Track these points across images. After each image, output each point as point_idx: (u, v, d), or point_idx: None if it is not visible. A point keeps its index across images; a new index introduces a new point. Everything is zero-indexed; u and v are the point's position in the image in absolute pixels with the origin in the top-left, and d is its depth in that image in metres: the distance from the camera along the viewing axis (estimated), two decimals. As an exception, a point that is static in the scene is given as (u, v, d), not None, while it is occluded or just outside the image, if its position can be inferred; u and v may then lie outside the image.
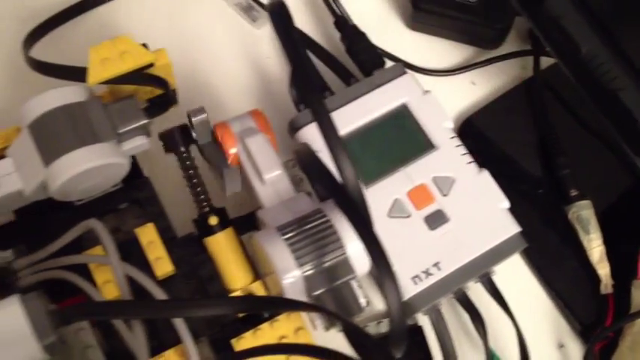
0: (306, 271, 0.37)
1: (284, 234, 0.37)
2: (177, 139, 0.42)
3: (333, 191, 0.35)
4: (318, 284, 0.37)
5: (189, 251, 0.42)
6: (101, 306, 0.33)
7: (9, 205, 0.41)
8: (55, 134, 0.38)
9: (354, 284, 0.38)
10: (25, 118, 0.39)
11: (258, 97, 0.51)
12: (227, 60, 0.52)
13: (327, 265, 0.37)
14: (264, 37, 0.53)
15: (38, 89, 0.44)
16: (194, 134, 0.42)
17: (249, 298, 0.36)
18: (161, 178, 0.45)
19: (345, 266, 0.37)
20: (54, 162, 0.38)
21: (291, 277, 0.36)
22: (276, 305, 0.35)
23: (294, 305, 0.35)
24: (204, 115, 0.41)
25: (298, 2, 0.54)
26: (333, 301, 0.38)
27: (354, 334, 0.38)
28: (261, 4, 0.53)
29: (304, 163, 0.38)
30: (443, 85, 0.53)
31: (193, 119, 0.41)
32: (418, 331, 0.46)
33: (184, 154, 0.42)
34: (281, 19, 0.38)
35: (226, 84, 0.51)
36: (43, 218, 0.42)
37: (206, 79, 0.51)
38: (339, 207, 0.36)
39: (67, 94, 0.39)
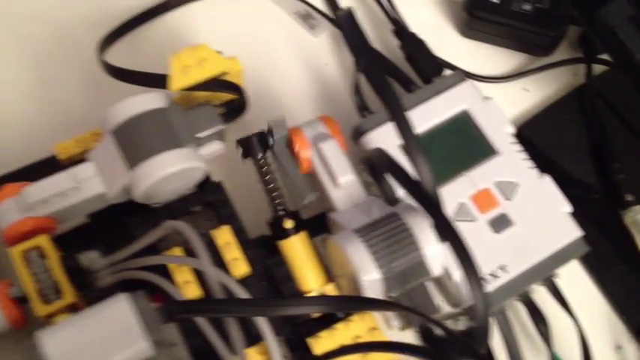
0: (384, 273, 0.38)
1: (362, 236, 0.39)
2: (254, 145, 0.43)
3: (414, 190, 0.37)
4: (395, 285, 0.38)
5: (261, 253, 0.44)
6: (206, 303, 0.34)
7: (88, 208, 0.42)
8: (139, 139, 0.40)
9: (429, 285, 0.39)
10: (109, 123, 0.41)
11: (317, 103, 0.52)
12: (286, 67, 0.53)
13: (403, 266, 0.38)
14: (321, 44, 0.54)
15: (111, 95, 0.46)
16: (271, 141, 0.43)
17: (343, 298, 0.37)
18: (229, 181, 0.46)
19: (420, 268, 0.39)
20: (139, 166, 0.40)
21: (371, 277, 0.38)
22: (369, 305, 0.36)
23: (384, 305, 0.36)
24: (284, 125, 0.43)
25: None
26: (408, 302, 0.39)
27: (428, 335, 0.39)
28: (320, 12, 0.54)
29: (382, 166, 0.39)
30: (496, 91, 0.54)
31: (274, 128, 0.43)
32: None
33: (261, 160, 0.44)
34: (352, 25, 0.40)
35: (286, 90, 0.52)
36: (118, 221, 0.44)
37: (266, 86, 0.52)
38: (421, 206, 0.37)
39: (149, 100, 0.41)
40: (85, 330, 0.30)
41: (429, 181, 0.37)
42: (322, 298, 0.37)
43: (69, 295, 0.37)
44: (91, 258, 0.40)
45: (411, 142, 0.37)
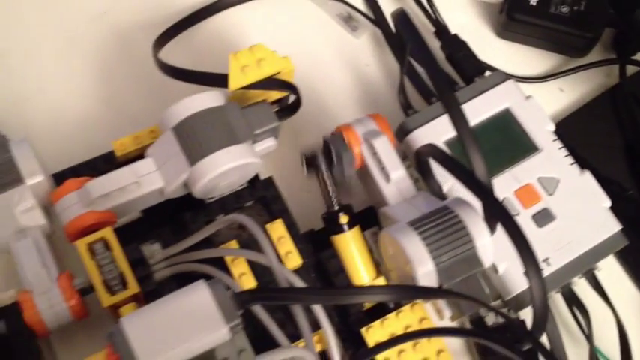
0: (438, 264, 0.39)
1: (416, 228, 0.40)
2: (321, 164, 0.45)
3: (469, 180, 0.38)
4: (449, 276, 0.40)
5: (311, 246, 0.45)
6: (278, 291, 0.36)
7: (146, 202, 0.44)
8: (200, 136, 0.41)
9: (480, 276, 0.41)
10: (170, 120, 0.42)
11: (360, 103, 0.54)
12: (329, 68, 0.55)
13: (456, 258, 0.40)
14: (363, 45, 0.56)
15: (167, 93, 0.47)
16: (335, 161, 0.45)
17: (409, 287, 0.38)
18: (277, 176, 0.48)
19: (473, 259, 0.40)
20: (200, 162, 0.41)
21: (426, 269, 0.39)
22: (431, 293, 0.38)
23: (445, 293, 0.37)
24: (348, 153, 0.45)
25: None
26: (460, 291, 0.40)
27: (480, 324, 0.40)
28: (361, 13, 0.56)
29: (437, 159, 0.40)
30: (532, 91, 0.55)
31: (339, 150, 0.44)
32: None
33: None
34: (406, 22, 0.41)
35: (330, 90, 0.54)
36: (171, 216, 0.45)
37: (311, 86, 0.54)
38: (476, 195, 0.38)
39: (209, 98, 0.42)
40: (166, 315, 0.32)
41: (483, 170, 0.39)
42: (389, 287, 0.39)
43: (133, 286, 0.39)
44: (152, 249, 0.41)
45: (465, 132, 0.38)
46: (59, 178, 0.45)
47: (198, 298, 0.32)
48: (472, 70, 0.51)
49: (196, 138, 0.41)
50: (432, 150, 0.41)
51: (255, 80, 0.42)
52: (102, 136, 0.48)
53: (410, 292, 0.37)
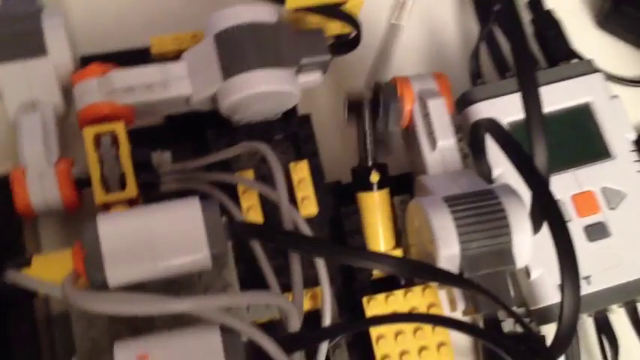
0: (465, 250, 0.35)
1: (450, 205, 0.35)
2: (364, 115, 0.40)
3: (525, 165, 0.33)
4: (473, 266, 0.35)
5: (332, 199, 0.41)
6: (276, 232, 0.32)
7: (169, 108, 0.40)
8: (240, 49, 0.37)
9: (508, 276, 0.36)
10: (213, 26, 0.38)
11: (428, 60, 0.49)
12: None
13: (487, 248, 0.35)
14: (442, 2, 0.51)
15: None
16: (381, 113, 0.40)
17: (421, 264, 0.34)
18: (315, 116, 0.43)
19: (506, 255, 0.35)
20: (233, 77, 0.37)
21: (449, 251, 0.34)
22: (446, 278, 0.33)
23: (462, 282, 0.33)
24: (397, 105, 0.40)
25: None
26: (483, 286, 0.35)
27: (494, 327, 0.36)
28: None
29: (494, 135, 0.35)
30: (620, 93, 0.49)
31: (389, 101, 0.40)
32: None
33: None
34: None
35: (400, 46, 0.49)
36: (195, 130, 0.41)
37: (375, 29, 0.49)
38: (528, 183, 0.33)
39: (259, 12, 0.38)
40: (147, 223, 0.28)
41: (544, 161, 0.34)
42: (400, 259, 0.34)
43: (131, 189, 0.35)
44: (162, 158, 0.37)
45: (535, 115, 0.34)
46: (87, 62, 0.41)
47: (187, 214, 0.28)
48: (559, 53, 0.46)
49: (236, 51, 0.37)
50: (491, 124, 0.36)
51: (315, 3, 0.38)
52: (141, 30, 0.44)
53: (422, 270, 0.33)
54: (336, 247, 0.32)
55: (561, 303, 0.32)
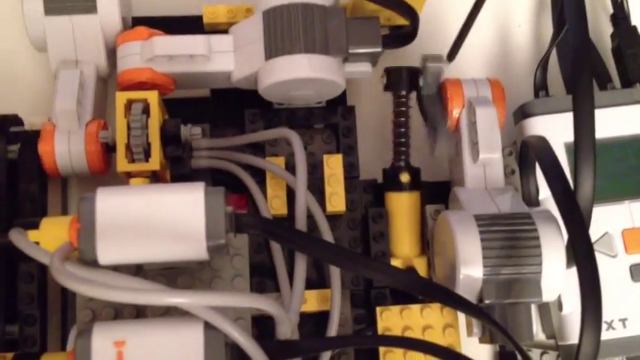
0: (488, 275, 0.32)
1: (481, 225, 0.33)
2: (403, 79, 0.38)
3: (564, 198, 0.31)
4: (495, 294, 0.33)
5: (366, 199, 0.39)
6: (284, 230, 0.30)
7: (211, 82, 0.39)
8: (287, 30, 0.36)
9: (534, 308, 0.34)
10: (264, 2, 0.37)
11: (492, 64, 0.46)
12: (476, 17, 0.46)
13: (513, 277, 0.33)
14: (522, 2, 0.47)
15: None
16: (421, 81, 0.38)
17: (429, 283, 0.32)
18: (362, 111, 0.42)
19: (533, 286, 0.33)
20: (274, 58, 0.36)
21: (471, 273, 0.32)
22: (454, 302, 0.31)
23: (471, 309, 0.31)
24: (440, 65, 0.37)
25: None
26: (502, 317, 0.33)
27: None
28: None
29: (540, 158, 0.33)
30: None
31: (428, 64, 0.37)
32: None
33: (403, 98, 0.38)
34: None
35: (466, 44, 0.46)
36: (234, 106, 0.40)
37: (442, 25, 0.46)
38: (562, 217, 0.31)
39: (313, -8, 0.36)
40: (148, 204, 0.27)
41: (587, 196, 0.31)
42: (408, 274, 0.33)
43: (154, 162, 0.34)
44: (194, 133, 0.36)
45: (585, 143, 0.31)
46: (138, 24, 0.41)
47: (189, 201, 0.27)
48: (636, 74, 0.42)
49: (283, 31, 0.36)
50: (539, 144, 0.34)
51: (376, -10, 0.36)
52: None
53: (433, 291, 0.31)
54: (341, 252, 0.30)
55: (578, 346, 0.29)
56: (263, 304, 0.27)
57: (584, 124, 0.31)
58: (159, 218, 0.27)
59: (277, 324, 0.29)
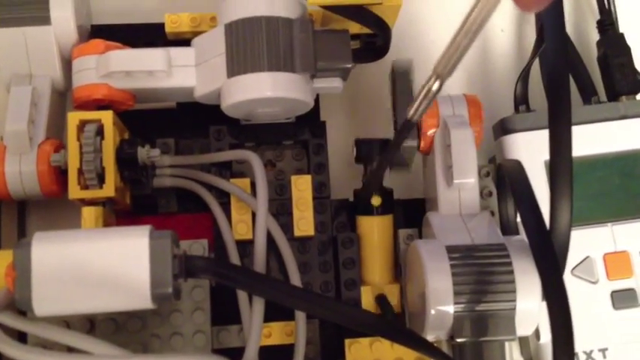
0: (459, 311, 0.31)
1: (452, 258, 0.31)
2: (374, 152, 0.36)
3: (536, 236, 0.29)
4: (467, 331, 0.31)
5: (338, 220, 0.37)
6: (241, 274, 0.28)
7: (172, 97, 0.37)
8: (250, 45, 0.34)
9: (507, 346, 0.32)
10: (225, 13, 0.35)
11: (471, 73, 0.44)
12: (451, 19, 0.44)
13: (486, 312, 0.31)
14: (505, 6, 0.45)
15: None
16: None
17: (391, 327, 0.30)
18: (334, 126, 0.40)
19: (506, 322, 0.31)
20: (237, 77, 0.33)
21: (442, 308, 0.31)
22: (417, 345, 0.29)
23: (435, 353, 0.29)
24: (415, 143, 0.36)
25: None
26: (474, 355, 0.31)
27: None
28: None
29: (513, 186, 0.31)
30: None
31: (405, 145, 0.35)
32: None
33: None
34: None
35: (440, 46, 0.43)
36: (201, 119, 0.38)
37: (419, 35, 0.44)
38: (534, 256, 0.29)
39: (280, 4, 0.34)
40: (89, 251, 0.25)
41: (564, 230, 0.29)
42: (376, 319, 0.31)
43: (109, 188, 0.32)
44: (150, 155, 0.34)
45: (561, 169, 0.29)
46: (97, 33, 0.39)
47: (132, 247, 0.25)
48: (623, 86, 0.40)
49: (245, 46, 0.34)
50: (512, 169, 0.32)
51: (342, 2, 0.34)
52: (162, 4, 0.41)
53: (399, 335, 0.29)
54: (302, 296, 0.28)
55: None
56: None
57: (559, 146, 0.30)
58: (100, 266, 0.25)
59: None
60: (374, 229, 0.36)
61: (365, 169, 0.36)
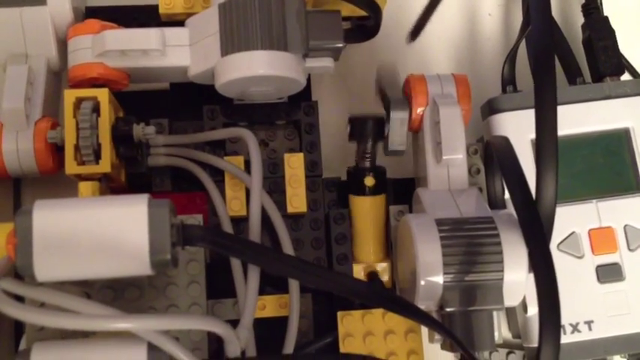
0: (449, 281, 0.32)
1: (442, 230, 0.32)
2: (368, 130, 0.36)
3: (523, 207, 0.30)
4: (456, 301, 0.32)
5: (329, 197, 0.38)
6: (237, 242, 0.29)
7: (166, 76, 0.38)
8: (242, 24, 0.34)
9: (495, 316, 0.33)
10: (219, -7, 0.35)
11: (460, 55, 0.45)
12: (442, 5, 0.45)
13: (475, 283, 0.32)
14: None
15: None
16: (387, 130, 0.36)
17: (384, 295, 0.31)
18: (325, 106, 0.40)
19: (494, 292, 0.32)
20: (230, 55, 0.34)
21: (431, 279, 0.31)
22: (409, 313, 0.30)
23: (426, 320, 0.30)
24: (406, 112, 0.36)
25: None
26: (463, 324, 0.32)
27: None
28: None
29: (501, 161, 0.32)
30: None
31: (394, 114, 0.36)
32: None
33: (367, 153, 0.37)
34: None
35: (429, 29, 0.44)
36: (194, 100, 0.39)
37: (408, 17, 0.45)
38: (521, 227, 0.30)
39: (272, -16, 0.35)
40: (89, 217, 0.25)
41: (549, 203, 0.30)
42: (367, 287, 0.32)
43: (105, 164, 0.33)
44: (146, 132, 0.35)
45: (546, 145, 0.30)
46: (92, 14, 0.39)
47: (131, 214, 0.26)
48: (607, 68, 0.41)
49: (239, 25, 0.34)
50: (501, 145, 0.33)
51: (334, -18, 0.34)
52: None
53: (389, 303, 0.30)
54: (297, 265, 0.29)
55: (537, 352, 0.28)
56: (207, 325, 0.26)
57: (545, 125, 0.30)
58: (100, 233, 0.25)
59: (226, 343, 0.28)
60: (367, 209, 0.37)
61: (358, 146, 0.37)
